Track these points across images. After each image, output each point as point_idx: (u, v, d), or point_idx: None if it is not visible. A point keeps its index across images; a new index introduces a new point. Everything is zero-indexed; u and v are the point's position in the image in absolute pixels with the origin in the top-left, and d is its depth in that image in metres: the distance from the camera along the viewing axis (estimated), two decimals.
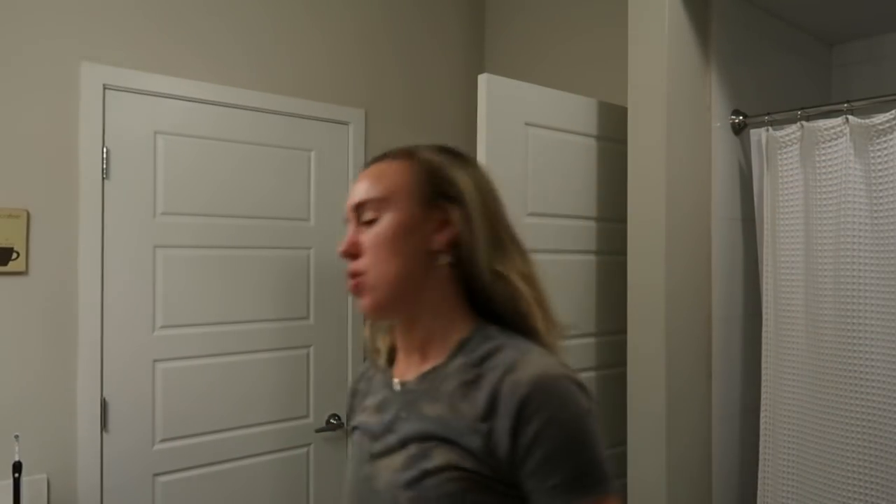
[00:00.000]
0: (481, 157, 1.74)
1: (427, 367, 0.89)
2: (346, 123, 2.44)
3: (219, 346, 2.16)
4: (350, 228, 0.90)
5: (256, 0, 2.25)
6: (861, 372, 1.67)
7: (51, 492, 1.87)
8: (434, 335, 0.89)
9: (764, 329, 1.86)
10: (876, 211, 1.65)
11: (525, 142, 1.83)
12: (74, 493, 1.91)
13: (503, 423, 0.78)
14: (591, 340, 2.01)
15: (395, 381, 0.92)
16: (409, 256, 0.86)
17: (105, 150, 1.96)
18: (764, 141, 1.86)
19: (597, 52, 2.38)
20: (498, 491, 0.79)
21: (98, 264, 1.95)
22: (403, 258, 0.86)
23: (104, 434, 1.96)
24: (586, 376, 2.00)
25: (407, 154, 0.92)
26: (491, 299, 0.88)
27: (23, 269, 1.84)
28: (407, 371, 0.92)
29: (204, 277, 2.13)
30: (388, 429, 0.89)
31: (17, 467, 1.74)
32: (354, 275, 0.88)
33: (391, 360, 0.97)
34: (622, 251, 1.94)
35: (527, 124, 1.83)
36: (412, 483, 0.81)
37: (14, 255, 1.83)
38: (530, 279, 0.89)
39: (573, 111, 1.96)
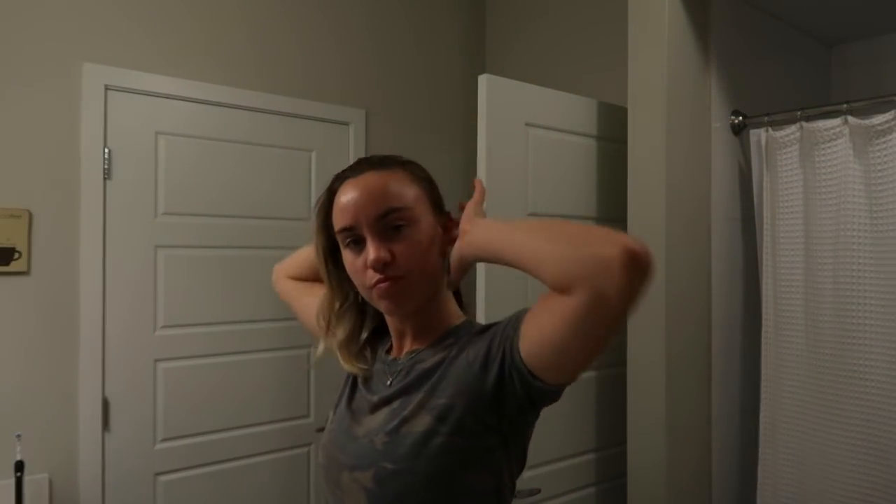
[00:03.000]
0: (481, 157, 1.75)
1: (417, 346, 0.99)
2: (346, 124, 2.45)
3: (220, 345, 2.16)
4: (373, 238, 0.92)
5: (258, 1, 2.26)
6: (861, 372, 1.67)
7: (52, 491, 1.88)
8: (433, 321, 0.98)
9: (763, 329, 1.86)
10: (875, 211, 1.65)
11: (525, 142, 1.83)
12: (76, 492, 1.91)
13: (483, 343, 0.89)
14: None
15: (390, 357, 1.02)
16: (433, 257, 0.95)
17: (107, 150, 1.97)
18: (763, 141, 1.86)
19: (597, 52, 2.38)
20: (468, 431, 0.87)
21: (99, 264, 1.95)
22: (432, 259, 0.95)
23: (105, 433, 1.96)
24: (586, 376, 2.00)
25: (397, 164, 0.99)
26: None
27: (24, 268, 1.85)
28: (399, 350, 1.01)
29: (205, 277, 2.14)
30: (373, 391, 0.99)
31: (19, 466, 1.75)
32: (390, 279, 0.91)
33: (373, 347, 1.07)
34: None
35: (527, 124, 1.83)
36: (391, 430, 0.91)
37: (16, 255, 1.84)
38: None
39: (573, 111, 1.96)
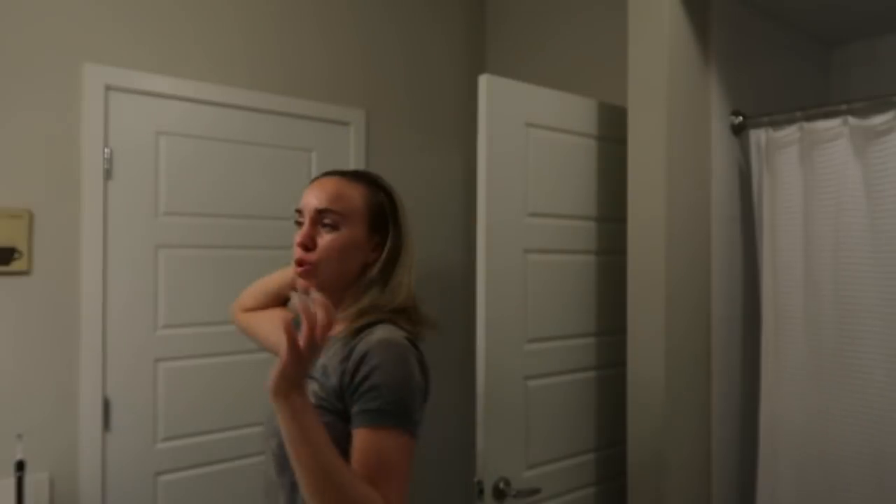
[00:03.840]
0: (481, 157, 1.75)
1: (334, 334, 1.17)
2: (346, 124, 2.45)
3: (221, 345, 2.17)
4: (307, 224, 1.17)
5: (259, 1, 2.26)
6: (861, 372, 1.67)
7: (53, 491, 1.88)
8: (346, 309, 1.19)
9: (763, 329, 1.87)
10: (875, 212, 1.66)
11: (525, 142, 1.83)
12: (76, 492, 1.92)
13: (350, 366, 1.09)
14: (591, 340, 2.02)
15: None
16: (350, 263, 1.18)
17: (107, 150, 1.97)
18: (763, 142, 1.87)
19: (597, 52, 2.38)
20: (338, 415, 1.09)
21: (100, 264, 1.95)
22: (346, 263, 1.18)
23: (106, 433, 1.97)
24: (586, 376, 2.01)
25: (366, 180, 1.23)
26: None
27: (25, 268, 1.85)
28: None
29: (206, 277, 2.14)
30: None
31: (20, 466, 1.75)
32: (305, 263, 1.16)
33: None
34: (622, 251, 1.94)
35: (527, 124, 1.84)
36: None
37: (17, 255, 1.84)
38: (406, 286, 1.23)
39: (573, 111, 1.97)
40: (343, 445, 1.06)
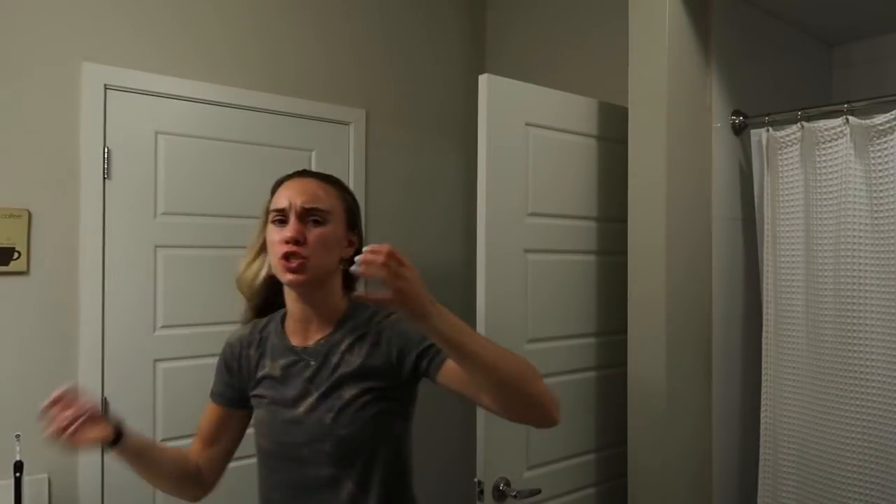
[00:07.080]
0: (481, 157, 1.74)
1: (321, 335, 1.29)
2: (347, 123, 2.45)
3: (219, 346, 2.15)
4: (295, 220, 1.22)
5: (258, 1, 2.26)
6: (861, 372, 1.67)
7: (52, 491, 1.88)
8: (325, 305, 1.29)
9: (764, 329, 1.86)
10: (876, 211, 1.65)
11: (525, 142, 1.83)
12: (75, 492, 1.91)
13: (390, 341, 1.25)
14: (591, 340, 2.02)
15: (298, 346, 1.31)
16: (333, 256, 1.27)
17: (106, 150, 1.97)
18: (764, 141, 1.86)
19: (597, 52, 2.38)
20: (391, 398, 1.25)
21: (99, 264, 1.95)
22: (331, 257, 1.26)
23: None
24: (586, 376, 2.00)
25: (337, 184, 1.33)
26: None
27: (24, 268, 1.85)
28: (305, 339, 1.31)
29: (204, 277, 2.14)
30: (294, 379, 1.28)
31: (19, 466, 1.75)
32: (299, 255, 1.20)
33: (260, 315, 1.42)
34: (622, 251, 1.94)
35: (527, 124, 1.83)
36: (335, 408, 1.23)
37: (15, 255, 1.84)
38: None
39: (573, 111, 1.96)
40: (406, 414, 1.30)
